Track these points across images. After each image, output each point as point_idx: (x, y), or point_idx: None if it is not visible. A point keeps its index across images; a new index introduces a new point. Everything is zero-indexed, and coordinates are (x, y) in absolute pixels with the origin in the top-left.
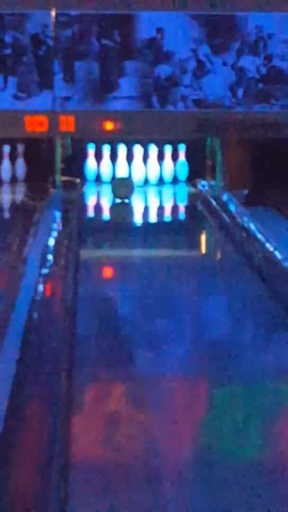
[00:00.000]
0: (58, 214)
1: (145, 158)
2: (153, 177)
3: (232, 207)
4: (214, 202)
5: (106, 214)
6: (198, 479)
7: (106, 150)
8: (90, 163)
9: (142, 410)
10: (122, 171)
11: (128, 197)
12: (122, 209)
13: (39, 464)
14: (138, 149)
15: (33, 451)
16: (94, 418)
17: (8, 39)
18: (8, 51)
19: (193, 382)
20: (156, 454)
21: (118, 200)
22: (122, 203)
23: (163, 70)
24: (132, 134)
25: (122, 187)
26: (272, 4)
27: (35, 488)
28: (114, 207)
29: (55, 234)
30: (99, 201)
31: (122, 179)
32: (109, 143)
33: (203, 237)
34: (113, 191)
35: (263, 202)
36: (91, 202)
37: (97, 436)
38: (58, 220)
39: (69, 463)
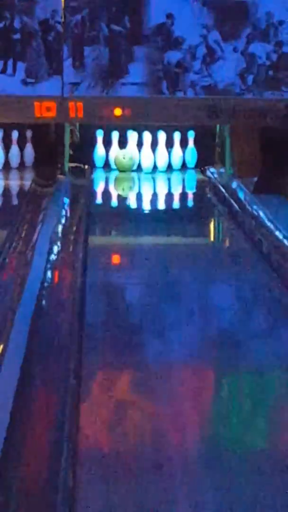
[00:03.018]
0: (66, 200)
1: (154, 144)
2: (162, 163)
3: (241, 195)
4: (223, 190)
5: (114, 201)
6: (206, 468)
7: (115, 136)
8: (99, 149)
9: (150, 398)
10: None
11: (130, 169)
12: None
13: (48, 452)
14: (147, 136)
15: (41, 439)
16: (102, 406)
17: (17, 24)
18: (17, 36)
19: (201, 370)
20: (164, 443)
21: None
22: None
23: (172, 56)
24: (142, 120)
25: (124, 159)
26: None
27: (43, 476)
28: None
29: (63, 220)
30: (107, 187)
31: (124, 153)
32: (117, 129)
33: (211, 225)
34: (116, 163)
35: (272, 189)
36: (99, 188)
37: (105, 424)
38: (67, 206)
39: (77, 451)
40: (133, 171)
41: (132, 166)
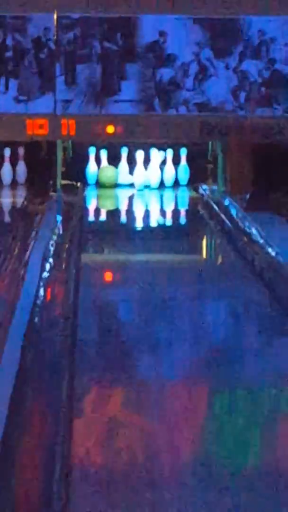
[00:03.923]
0: (58, 217)
1: (146, 162)
2: (154, 181)
3: (233, 212)
4: (215, 207)
5: (107, 218)
6: (199, 485)
7: (103, 154)
8: (91, 167)
9: (143, 415)
10: (123, 175)
11: (113, 184)
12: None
13: (41, 469)
14: (139, 153)
15: (34, 456)
16: (95, 423)
17: (10, 41)
18: (9, 54)
19: (194, 388)
20: (157, 460)
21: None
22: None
23: (165, 73)
24: (134, 138)
25: (108, 174)
26: (275, 8)
27: (37, 492)
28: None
29: (56, 238)
30: (99, 205)
31: (107, 168)
32: (109, 147)
33: (204, 242)
34: (99, 178)
35: (265, 206)
36: (91, 206)
37: (98, 441)
38: (59, 223)
39: (71, 468)
40: (118, 186)
41: (114, 182)
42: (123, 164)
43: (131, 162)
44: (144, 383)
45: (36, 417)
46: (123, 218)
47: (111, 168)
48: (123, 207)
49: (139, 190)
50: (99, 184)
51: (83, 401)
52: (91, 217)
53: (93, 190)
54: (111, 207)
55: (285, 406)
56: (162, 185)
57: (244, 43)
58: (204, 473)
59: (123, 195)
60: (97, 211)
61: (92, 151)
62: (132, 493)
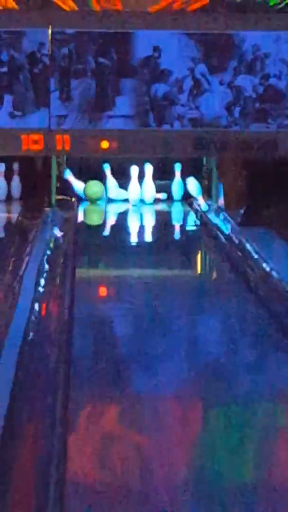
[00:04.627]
0: (53, 233)
1: (141, 177)
2: (148, 196)
3: (227, 227)
4: (209, 222)
5: (101, 233)
6: (193, 500)
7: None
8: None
9: (138, 430)
10: (114, 190)
11: (99, 199)
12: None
13: (35, 484)
14: (134, 169)
15: (29, 472)
16: (90, 439)
17: (4, 57)
18: (4, 69)
19: (189, 403)
20: (152, 475)
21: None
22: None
23: (159, 88)
24: (128, 153)
25: (94, 189)
26: (269, 23)
27: (31, 508)
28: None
29: (50, 253)
30: (93, 220)
31: (94, 183)
32: (104, 162)
33: (198, 257)
34: (85, 193)
35: (259, 221)
36: (86, 221)
37: (93, 457)
38: (54, 238)
39: (65, 484)
40: (112, 201)
41: (100, 197)
42: (110, 179)
43: (122, 177)
44: (139, 399)
45: (31, 433)
46: (117, 233)
47: (97, 182)
48: (117, 222)
49: (133, 205)
50: (85, 199)
51: (77, 416)
52: (86, 232)
53: (87, 205)
54: (105, 223)
55: (279, 421)
56: (156, 200)
57: (239, 58)
58: (199, 490)
59: (117, 210)
60: (92, 226)
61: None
62: (126, 508)
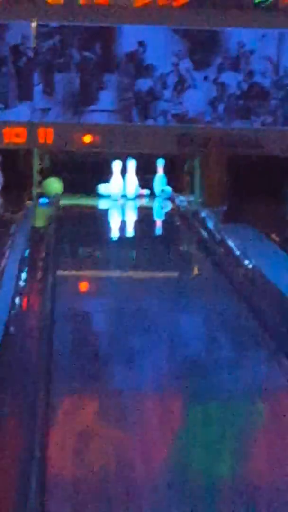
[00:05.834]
0: (34, 226)
1: (124, 172)
2: (130, 191)
3: (210, 223)
4: (192, 218)
5: (83, 227)
6: (173, 496)
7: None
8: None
9: (118, 426)
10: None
11: (58, 193)
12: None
13: (16, 479)
14: (116, 164)
15: (9, 466)
16: (70, 434)
17: None
18: None
19: (169, 399)
20: (132, 471)
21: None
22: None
23: (143, 84)
24: (111, 148)
25: (53, 185)
26: (255, 20)
27: (11, 503)
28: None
29: (32, 246)
30: (75, 213)
31: (52, 179)
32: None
33: (180, 253)
34: (45, 188)
35: (241, 218)
36: (68, 214)
37: (74, 452)
38: (35, 232)
39: (46, 479)
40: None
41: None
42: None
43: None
44: (119, 394)
45: (12, 428)
46: (100, 228)
47: (55, 179)
48: (100, 217)
49: (115, 200)
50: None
51: (58, 411)
52: (67, 226)
53: (69, 198)
54: (88, 217)
55: (260, 418)
56: (138, 195)
57: (223, 55)
58: (179, 485)
59: (100, 205)
60: (73, 220)
61: None
62: (106, 503)
